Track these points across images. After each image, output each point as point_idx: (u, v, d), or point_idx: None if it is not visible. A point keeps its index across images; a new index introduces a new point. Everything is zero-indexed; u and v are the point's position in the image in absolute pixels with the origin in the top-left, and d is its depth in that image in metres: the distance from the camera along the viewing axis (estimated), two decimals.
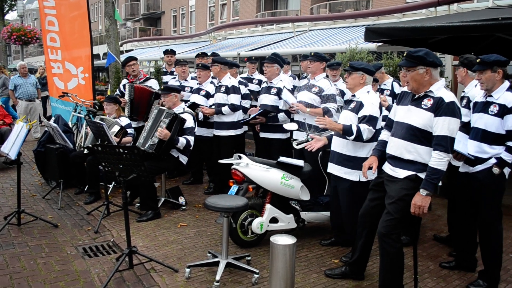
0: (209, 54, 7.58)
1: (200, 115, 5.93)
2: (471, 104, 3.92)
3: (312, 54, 5.02)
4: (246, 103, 6.07)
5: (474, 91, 4.13)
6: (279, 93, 5.61)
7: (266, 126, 5.81)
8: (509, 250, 4.45)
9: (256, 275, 3.59)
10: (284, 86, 5.59)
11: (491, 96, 3.56)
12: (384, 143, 3.44)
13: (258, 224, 4.14)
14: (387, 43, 6.77)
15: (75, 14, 7.93)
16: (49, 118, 7.04)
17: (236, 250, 4.22)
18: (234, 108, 5.80)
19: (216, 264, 3.63)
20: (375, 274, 3.74)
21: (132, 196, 5.51)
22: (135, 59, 6.78)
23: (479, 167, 3.57)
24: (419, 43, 6.02)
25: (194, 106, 5.88)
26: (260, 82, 6.83)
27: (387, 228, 3.15)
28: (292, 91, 5.62)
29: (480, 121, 3.59)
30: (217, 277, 3.47)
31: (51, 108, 8.84)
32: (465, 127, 3.80)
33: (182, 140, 5.03)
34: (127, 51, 23.11)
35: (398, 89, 5.53)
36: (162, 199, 5.43)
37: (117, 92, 7.03)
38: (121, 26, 35.39)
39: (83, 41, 7.86)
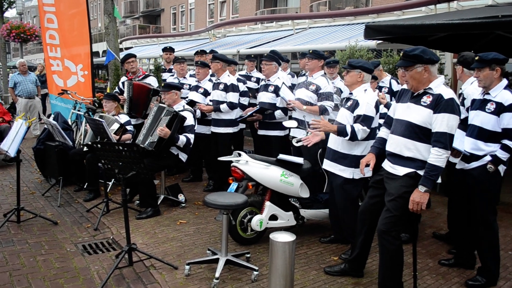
0: (207, 51, 7.57)
1: (198, 112, 5.93)
2: (466, 102, 3.93)
3: (311, 52, 5.02)
4: (244, 101, 6.07)
5: (468, 89, 4.15)
6: (276, 90, 5.61)
7: (264, 124, 5.81)
8: (509, 247, 4.46)
9: (255, 272, 3.60)
10: (283, 83, 5.58)
11: (488, 94, 3.56)
12: (383, 140, 3.45)
13: (258, 222, 4.14)
14: (387, 40, 6.77)
15: (74, 11, 7.91)
16: (48, 116, 7.03)
17: (236, 247, 4.23)
18: (232, 106, 5.80)
19: (216, 261, 3.64)
20: (374, 271, 3.74)
21: (131, 193, 5.52)
22: (134, 56, 6.78)
23: (474, 164, 3.58)
24: (419, 40, 6.02)
25: (191, 104, 5.88)
26: (258, 80, 6.83)
27: (386, 226, 3.15)
28: (291, 88, 5.62)
29: (477, 118, 3.60)
30: (217, 274, 3.47)
31: (50, 105, 8.83)
32: (461, 124, 3.81)
33: (182, 138, 5.03)
34: (126, 48, 23.06)
35: (396, 87, 5.53)
36: (162, 197, 5.43)
37: (116, 89, 7.02)
38: (121, 23, 35.30)
39: (82, 38, 7.85)
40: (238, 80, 6.19)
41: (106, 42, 9.83)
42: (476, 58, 3.60)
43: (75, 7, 7.89)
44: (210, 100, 6.02)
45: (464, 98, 4.17)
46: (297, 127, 4.82)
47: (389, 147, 3.29)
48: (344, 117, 3.95)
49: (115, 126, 5.53)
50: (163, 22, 34.40)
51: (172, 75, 7.11)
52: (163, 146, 4.96)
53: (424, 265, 4.02)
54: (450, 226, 4.31)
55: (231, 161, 4.31)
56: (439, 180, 3.16)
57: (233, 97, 5.79)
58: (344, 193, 4.00)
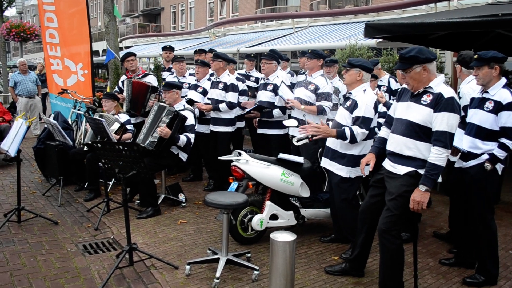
0: (207, 50, 7.56)
1: (196, 111, 5.92)
2: (461, 101, 3.93)
3: (310, 51, 5.01)
4: (243, 99, 6.06)
5: (464, 88, 4.15)
6: (275, 89, 5.61)
7: (263, 122, 5.82)
8: (509, 246, 4.46)
9: (256, 272, 3.60)
10: (282, 81, 5.59)
11: (487, 92, 3.56)
12: (383, 140, 3.45)
13: (258, 221, 4.14)
14: (387, 39, 6.77)
15: (74, 10, 7.90)
16: (50, 116, 7.04)
17: (236, 247, 4.23)
18: (231, 105, 5.80)
19: (216, 261, 3.63)
20: (375, 271, 3.74)
21: (132, 193, 5.52)
22: (134, 54, 6.78)
23: (472, 163, 3.59)
24: (419, 39, 6.02)
25: (190, 103, 5.87)
26: (257, 80, 6.82)
27: (387, 225, 3.15)
28: (291, 88, 5.62)
29: (475, 117, 3.61)
30: (217, 274, 3.47)
31: (50, 105, 8.82)
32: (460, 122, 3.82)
33: (182, 138, 5.02)
34: (126, 47, 23.04)
35: (394, 85, 5.53)
36: (162, 196, 5.43)
37: (116, 89, 7.02)
38: (120, 22, 35.27)
39: (82, 37, 7.84)
40: (237, 79, 6.19)
41: (106, 41, 9.83)
42: (475, 56, 3.60)
43: (74, 6, 7.89)
44: (208, 99, 6.01)
45: (460, 97, 4.17)
46: (297, 126, 4.82)
47: (389, 146, 3.29)
48: (342, 117, 3.96)
49: (116, 125, 5.52)
50: (163, 21, 34.38)
51: (172, 74, 7.11)
52: (164, 146, 4.96)
53: (424, 264, 4.02)
54: (451, 225, 4.31)
55: (232, 161, 4.31)
56: (439, 179, 3.16)
57: (232, 97, 5.79)
58: (341, 191, 4.03)
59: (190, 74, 6.89)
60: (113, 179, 5.79)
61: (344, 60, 7.05)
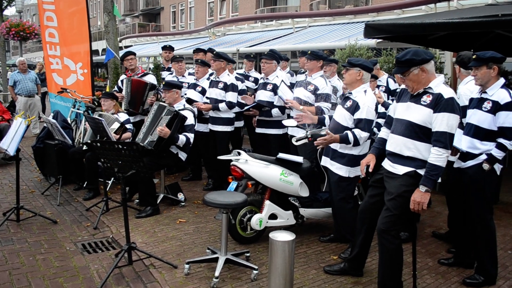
0: (206, 50, 7.56)
1: (195, 110, 5.91)
2: (458, 101, 3.93)
3: (310, 52, 5.01)
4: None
5: (461, 89, 4.15)
6: (274, 89, 5.61)
7: (262, 122, 5.82)
8: (508, 247, 4.46)
9: (255, 271, 3.60)
10: (282, 81, 5.59)
11: (485, 92, 3.57)
12: (383, 141, 3.45)
13: (257, 221, 4.14)
14: (387, 39, 6.77)
15: (74, 9, 7.91)
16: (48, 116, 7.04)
17: (235, 246, 4.23)
18: (231, 105, 5.80)
19: (215, 260, 3.63)
20: (374, 271, 3.75)
21: (131, 192, 5.52)
22: (133, 53, 6.80)
23: (470, 163, 3.59)
24: (418, 39, 6.02)
25: (189, 102, 5.87)
26: (256, 80, 6.82)
27: (386, 225, 3.15)
28: (290, 87, 5.62)
29: (474, 117, 3.61)
30: (216, 273, 3.47)
31: (50, 104, 8.82)
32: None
33: (182, 138, 5.02)
34: (126, 47, 23.06)
35: (393, 86, 5.52)
36: (161, 195, 5.43)
37: (115, 88, 7.02)
38: (120, 21, 35.27)
39: (81, 36, 7.84)
40: (236, 78, 6.20)
41: (105, 41, 9.83)
42: (473, 56, 3.60)
43: (74, 5, 7.89)
44: (207, 98, 6.01)
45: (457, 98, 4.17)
46: (297, 126, 4.82)
47: (389, 147, 3.29)
48: (342, 117, 3.96)
49: (115, 125, 5.52)
50: (163, 20, 34.37)
51: (171, 74, 7.12)
52: (163, 146, 4.96)
53: (423, 264, 4.02)
54: (450, 225, 4.32)
55: (231, 160, 4.31)
56: (439, 180, 3.16)
57: (232, 96, 5.79)
58: (339, 190, 4.04)
59: (189, 74, 6.90)
60: (112, 178, 5.79)
61: (344, 60, 7.05)
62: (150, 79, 6.67)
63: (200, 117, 6.06)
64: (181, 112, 5.09)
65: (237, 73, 6.83)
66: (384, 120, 3.72)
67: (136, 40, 24.40)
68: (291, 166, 4.33)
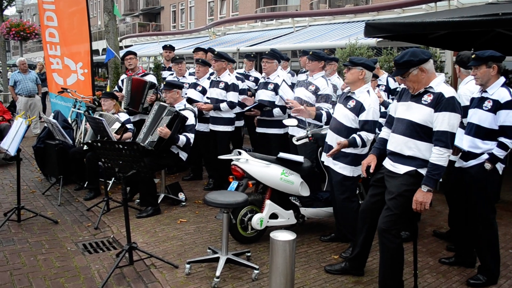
0: (206, 49, 7.56)
1: (195, 110, 5.91)
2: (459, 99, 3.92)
3: (311, 53, 5.00)
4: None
5: (461, 89, 4.13)
6: (276, 89, 5.61)
7: (263, 121, 5.81)
8: (509, 246, 4.46)
9: (256, 271, 3.60)
10: (283, 80, 5.58)
11: (486, 91, 3.56)
12: (384, 141, 3.44)
13: (258, 220, 4.14)
14: (387, 38, 6.76)
15: (74, 9, 7.90)
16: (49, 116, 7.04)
17: (236, 246, 4.23)
18: (232, 105, 5.80)
19: (216, 260, 3.63)
20: (375, 270, 3.75)
21: (131, 192, 5.52)
22: (132, 53, 6.82)
23: (472, 162, 3.59)
24: (419, 38, 6.02)
25: (190, 102, 5.87)
26: (256, 80, 6.82)
27: (387, 224, 3.15)
28: (291, 87, 5.61)
29: (475, 116, 3.61)
30: (217, 273, 3.47)
31: (50, 104, 8.82)
32: None
33: (182, 138, 5.02)
34: (126, 46, 23.07)
35: (393, 85, 5.52)
36: (162, 195, 5.43)
37: (116, 88, 7.03)
38: (120, 21, 35.28)
39: (82, 36, 7.84)
40: (237, 78, 6.20)
41: (106, 40, 9.82)
42: (473, 56, 3.59)
43: (74, 5, 7.89)
44: (208, 98, 6.01)
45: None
46: (297, 126, 4.82)
47: (390, 146, 3.29)
48: (346, 117, 3.91)
49: (116, 125, 5.52)
50: (163, 20, 34.36)
51: (172, 74, 7.12)
52: (163, 146, 4.96)
53: (424, 263, 4.02)
54: (451, 225, 4.31)
55: (231, 160, 4.31)
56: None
57: (233, 96, 5.79)
58: (343, 190, 4.02)
59: (190, 74, 6.89)
60: (113, 178, 5.79)
61: (345, 59, 7.05)
62: (151, 78, 6.67)
63: (201, 117, 6.06)
64: (182, 112, 5.09)
65: (237, 73, 6.83)
66: (384, 119, 3.72)
67: (136, 39, 24.41)
68: (291, 165, 4.32)
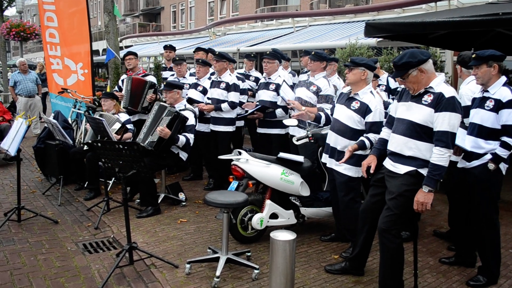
0: (206, 49, 7.56)
1: (196, 111, 5.91)
2: (460, 101, 3.91)
3: (313, 53, 5.00)
4: (243, 99, 6.06)
5: (463, 89, 4.13)
6: (277, 89, 5.61)
7: (264, 122, 5.81)
8: (509, 245, 4.46)
9: (256, 271, 3.60)
10: (284, 81, 5.58)
11: (487, 91, 3.55)
12: (384, 141, 3.43)
13: (258, 220, 4.14)
14: (387, 38, 6.76)
15: (74, 10, 7.91)
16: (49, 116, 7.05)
17: (236, 246, 4.23)
18: (233, 105, 5.80)
19: (216, 260, 3.64)
20: (375, 270, 3.74)
21: (132, 192, 5.52)
22: (132, 54, 6.84)
23: (475, 163, 3.57)
24: (419, 38, 6.01)
25: (190, 102, 5.87)
26: (257, 80, 6.81)
27: (387, 224, 3.15)
28: (292, 87, 5.61)
29: (477, 116, 3.59)
30: (217, 273, 3.47)
31: (50, 104, 8.83)
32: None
33: (182, 139, 5.02)
34: (126, 47, 23.07)
35: (393, 84, 5.52)
36: (162, 195, 5.43)
37: (116, 88, 7.03)
38: (120, 21, 35.28)
39: (82, 37, 7.85)
40: (238, 78, 6.20)
41: (106, 41, 9.84)
42: (473, 55, 3.58)
43: (75, 5, 7.89)
44: (209, 98, 6.01)
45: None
46: (297, 126, 4.82)
47: (390, 146, 3.29)
48: (351, 119, 3.87)
49: (117, 125, 5.51)
50: (163, 20, 34.37)
51: (173, 75, 7.12)
52: (163, 146, 4.95)
53: (424, 263, 4.02)
54: (451, 225, 4.31)
55: (232, 160, 4.31)
56: None
57: (234, 96, 5.79)
58: (349, 190, 3.99)
59: (190, 74, 6.89)
60: (113, 178, 5.80)
61: (345, 59, 7.04)
62: (151, 79, 6.68)
63: (201, 117, 6.06)
64: (182, 112, 5.09)
65: (237, 73, 6.83)
66: (385, 119, 3.71)
67: (136, 40, 24.39)
68: (291, 165, 4.32)
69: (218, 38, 16.87)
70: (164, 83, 5.61)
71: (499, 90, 3.48)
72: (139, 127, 5.91)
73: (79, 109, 7.49)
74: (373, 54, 7.70)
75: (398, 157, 3.19)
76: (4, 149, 4.72)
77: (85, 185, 5.93)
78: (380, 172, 3.38)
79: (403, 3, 10.30)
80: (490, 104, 3.49)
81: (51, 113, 7.73)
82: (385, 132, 3.48)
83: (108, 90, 8.90)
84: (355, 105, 3.87)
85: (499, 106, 3.44)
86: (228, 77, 5.88)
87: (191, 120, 5.16)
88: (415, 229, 3.94)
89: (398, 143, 3.20)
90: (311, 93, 4.93)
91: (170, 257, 3.96)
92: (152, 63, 11.35)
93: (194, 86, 6.31)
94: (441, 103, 2.98)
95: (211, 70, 6.37)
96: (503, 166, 3.52)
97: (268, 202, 4.25)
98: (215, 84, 5.95)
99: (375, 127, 3.80)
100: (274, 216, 4.29)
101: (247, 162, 4.22)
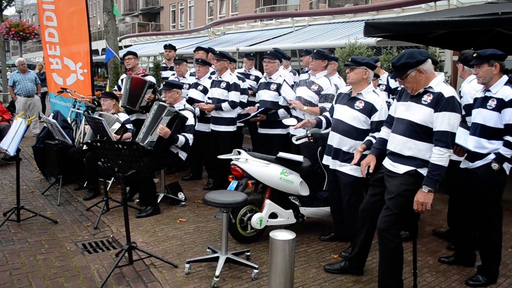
0: (206, 49, 7.55)
1: (197, 110, 5.91)
2: (462, 100, 3.90)
3: (315, 51, 4.99)
4: (243, 98, 6.05)
5: (465, 88, 4.12)
6: (278, 89, 5.60)
7: (265, 122, 5.79)
8: (509, 245, 4.46)
9: (255, 270, 3.60)
10: (284, 80, 5.57)
11: (489, 90, 3.54)
12: (383, 141, 3.42)
13: (258, 220, 4.14)
14: (387, 38, 6.75)
15: (74, 9, 7.91)
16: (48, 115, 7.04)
17: (236, 246, 4.23)
18: (234, 105, 5.80)
19: (216, 259, 3.64)
20: (374, 269, 3.75)
21: (131, 192, 5.52)
22: (131, 53, 6.85)
23: (479, 163, 3.55)
24: (418, 38, 6.01)
25: (191, 101, 5.87)
26: (257, 79, 6.81)
27: (386, 223, 3.15)
28: (292, 87, 5.61)
29: (479, 116, 3.58)
30: (217, 273, 3.47)
31: (50, 104, 8.82)
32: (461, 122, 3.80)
33: (181, 139, 5.02)
34: (125, 46, 23.05)
35: (393, 84, 5.52)
36: (162, 195, 5.43)
37: (115, 88, 7.03)
38: (120, 21, 35.28)
39: (81, 36, 7.85)
40: (238, 77, 6.19)
41: (105, 40, 9.83)
42: (474, 55, 3.58)
43: (74, 5, 7.89)
44: (209, 98, 6.00)
45: (461, 97, 4.14)
46: None
47: (389, 146, 3.28)
48: (357, 120, 3.83)
49: (116, 125, 5.51)
50: (163, 19, 34.36)
51: (174, 74, 7.12)
52: (162, 146, 4.95)
53: (424, 262, 4.02)
54: (450, 224, 4.31)
55: (231, 159, 4.30)
56: None
57: (235, 96, 5.79)
58: (354, 191, 3.96)
59: (190, 74, 6.89)
60: (113, 178, 5.80)
61: (345, 58, 7.04)
62: (150, 79, 6.69)
63: (202, 116, 6.06)
64: (182, 112, 5.09)
65: (238, 72, 6.83)
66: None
67: (136, 39, 24.38)
68: (291, 165, 4.32)
69: (217, 38, 16.86)
70: (164, 83, 5.60)
71: (501, 89, 3.47)
72: (137, 126, 5.90)
73: (78, 109, 7.49)
74: (372, 53, 7.70)
75: (398, 157, 3.19)
76: (4, 149, 4.71)
77: (85, 185, 5.92)
78: (380, 172, 3.37)
79: (402, 2, 10.29)
80: (492, 103, 3.48)
81: (50, 112, 7.73)
82: (385, 132, 3.48)
83: (107, 89, 8.90)
84: (359, 104, 3.83)
85: (501, 105, 3.42)
86: (228, 77, 5.88)
87: (191, 120, 5.16)
88: (414, 228, 3.94)
89: (397, 143, 3.19)
90: (313, 92, 4.92)
91: (170, 256, 3.96)
92: (151, 63, 11.34)
93: (195, 85, 6.31)
94: (440, 103, 2.97)
95: (211, 69, 6.36)
96: (506, 166, 3.49)
97: (267, 201, 4.25)
98: (215, 84, 5.94)
99: (381, 126, 3.76)
100: (273, 215, 4.29)
101: (246, 161, 4.22)
